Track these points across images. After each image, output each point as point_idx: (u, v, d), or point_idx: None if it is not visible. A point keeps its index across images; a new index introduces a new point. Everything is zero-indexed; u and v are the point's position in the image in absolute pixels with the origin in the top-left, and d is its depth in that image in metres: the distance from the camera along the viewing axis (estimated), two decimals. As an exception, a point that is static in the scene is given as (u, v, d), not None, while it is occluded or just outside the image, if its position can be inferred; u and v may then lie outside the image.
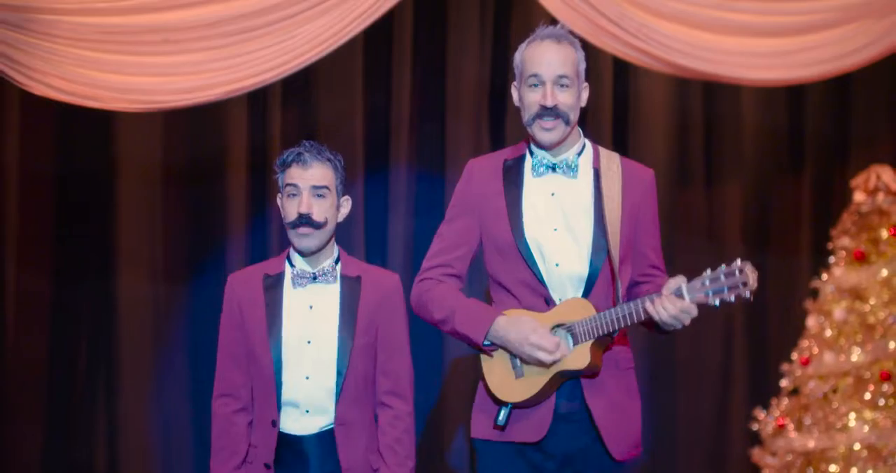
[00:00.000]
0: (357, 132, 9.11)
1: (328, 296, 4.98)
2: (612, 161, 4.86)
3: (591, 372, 4.64)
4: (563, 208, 4.74)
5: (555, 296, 4.72)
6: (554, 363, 4.58)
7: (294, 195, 4.94)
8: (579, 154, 4.82)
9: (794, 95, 9.09)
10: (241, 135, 9.08)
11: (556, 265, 4.72)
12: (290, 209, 4.95)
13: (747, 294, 4.36)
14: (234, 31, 7.59)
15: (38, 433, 9.11)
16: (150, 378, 9.15)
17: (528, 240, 4.71)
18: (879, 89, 9.10)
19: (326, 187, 4.95)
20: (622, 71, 8.98)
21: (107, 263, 9.08)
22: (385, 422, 5.02)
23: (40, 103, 8.10)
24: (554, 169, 4.76)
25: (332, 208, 4.99)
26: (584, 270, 4.71)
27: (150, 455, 9.13)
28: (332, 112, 9.13)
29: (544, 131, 4.71)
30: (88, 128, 8.87)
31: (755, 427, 8.49)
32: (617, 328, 4.56)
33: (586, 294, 4.70)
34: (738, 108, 9.18)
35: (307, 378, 4.93)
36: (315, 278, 4.97)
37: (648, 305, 4.47)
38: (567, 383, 4.69)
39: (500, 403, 4.75)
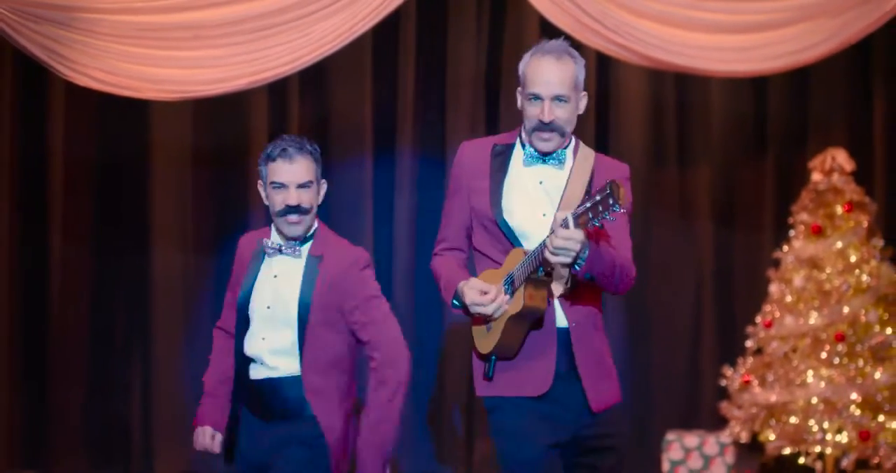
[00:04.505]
0: (366, 119, 9.15)
1: (292, 269, 4.90)
2: (586, 157, 4.76)
3: (532, 314, 4.54)
4: (550, 195, 4.68)
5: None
6: (494, 313, 4.55)
7: (282, 187, 4.85)
8: (566, 147, 4.74)
9: (758, 86, 9.11)
10: (261, 122, 9.13)
11: None
12: (277, 201, 4.86)
13: (618, 208, 4.11)
14: (255, 28, 7.63)
15: (80, 391, 9.18)
16: (181, 340, 9.21)
17: (516, 223, 4.65)
18: (835, 80, 9.11)
19: (311, 180, 4.86)
20: (603, 64, 9.00)
21: (142, 238, 9.14)
22: (372, 387, 4.89)
23: (82, 94, 8.17)
24: (544, 160, 4.69)
25: (316, 195, 4.91)
26: None
27: (180, 412, 9.17)
28: (344, 101, 9.18)
29: (542, 142, 4.63)
30: (125, 116, 8.92)
31: (723, 382, 8.51)
32: (534, 267, 4.44)
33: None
34: (707, 97, 9.19)
35: (263, 339, 4.89)
36: (281, 250, 4.92)
37: (547, 241, 4.32)
38: (562, 341, 4.62)
39: (483, 357, 4.71)
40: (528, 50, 4.75)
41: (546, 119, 4.58)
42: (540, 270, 4.46)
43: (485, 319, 4.64)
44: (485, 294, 4.56)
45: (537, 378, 4.61)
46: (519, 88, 4.73)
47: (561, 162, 4.69)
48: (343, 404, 4.91)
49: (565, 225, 4.25)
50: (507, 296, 4.55)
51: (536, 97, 4.60)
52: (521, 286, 4.50)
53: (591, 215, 4.19)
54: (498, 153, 4.78)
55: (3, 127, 9.05)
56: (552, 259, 4.32)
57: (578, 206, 4.25)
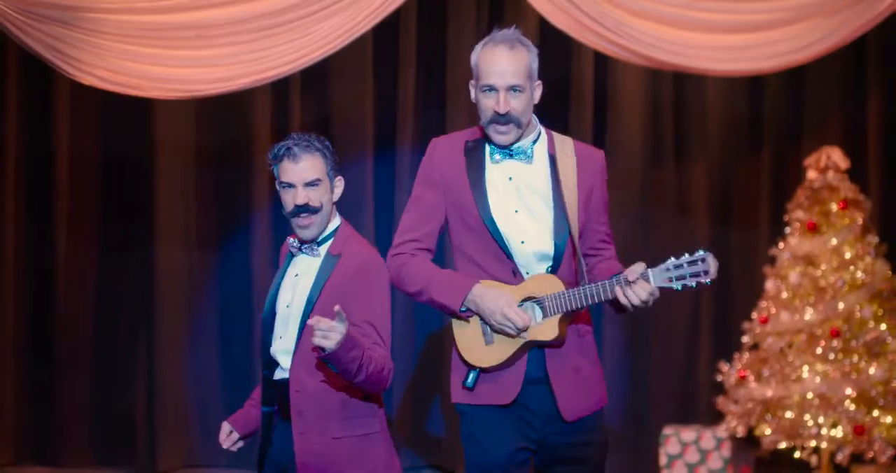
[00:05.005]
0: (367, 117, 9.19)
1: (311, 268, 4.79)
2: (565, 146, 4.67)
3: (557, 343, 4.48)
4: (520, 191, 4.57)
5: (521, 269, 4.56)
6: (519, 336, 4.45)
7: (289, 187, 4.75)
8: (535, 141, 4.64)
9: (753, 85, 9.10)
10: (264, 120, 9.17)
11: (522, 242, 4.53)
12: (287, 201, 4.76)
13: (708, 281, 4.20)
14: (258, 27, 7.64)
15: (86, 386, 9.23)
16: (185, 334, 9.25)
17: (495, 219, 4.53)
18: (829, 79, 9.11)
19: (318, 179, 4.72)
20: (602, 63, 9.00)
21: (146, 234, 9.16)
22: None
23: (87, 92, 8.19)
24: (511, 155, 4.59)
25: (327, 193, 4.75)
26: (549, 248, 4.55)
27: (183, 404, 9.23)
28: (346, 99, 9.20)
29: (498, 134, 4.53)
30: (130, 115, 8.95)
31: (720, 378, 8.50)
32: (584, 304, 4.38)
33: (553, 270, 4.55)
34: (703, 96, 9.18)
35: (280, 338, 4.78)
36: (301, 249, 4.81)
37: (618, 289, 4.30)
38: (533, 350, 4.53)
39: (470, 367, 4.55)
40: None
41: (502, 110, 4.48)
42: (583, 307, 4.45)
43: (486, 331, 4.52)
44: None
45: (505, 387, 4.53)
46: (472, 81, 4.64)
47: (528, 156, 4.59)
48: (328, 411, 4.69)
49: (645, 278, 4.26)
50: (537, 322, 4.47)
51: (491, 88, 4.51)
52: (556, 315, 4.43)
53: (674, 279, 4.23)
54: (470, 149, 4.66)
55: (10, 125, 9.10)
56: (627, 305, 4.33)
57: (664, 266, 4.26)
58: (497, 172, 4.59)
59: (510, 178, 4.57)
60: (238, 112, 9.11)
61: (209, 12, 7.59)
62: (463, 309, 4.53)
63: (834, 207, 8.32)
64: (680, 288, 4.24)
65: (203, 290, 9.31)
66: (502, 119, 4.49)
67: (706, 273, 4.19)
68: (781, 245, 8.47)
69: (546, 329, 4.44)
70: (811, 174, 8.42)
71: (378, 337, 4.65)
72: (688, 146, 9.27)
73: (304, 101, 9.21)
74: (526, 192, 4.56)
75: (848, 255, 8.23)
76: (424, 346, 9.21)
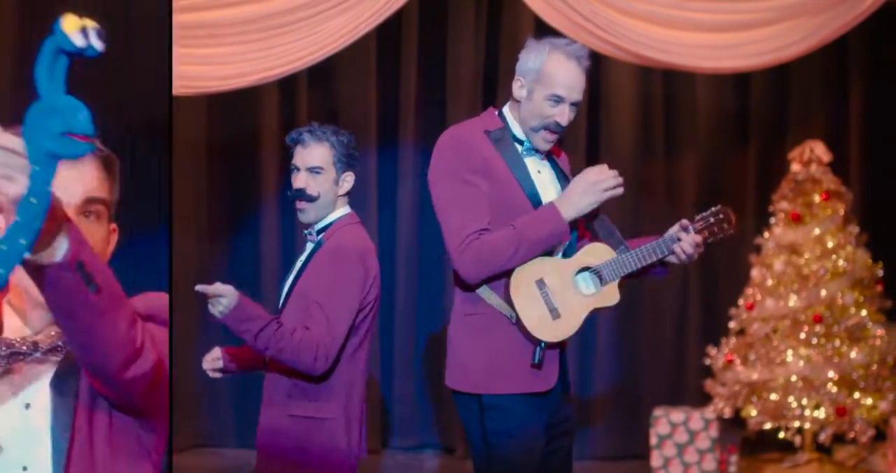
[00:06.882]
0: (371, 113, 9.21)
1: (308, 253, 4.81)
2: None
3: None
4: (546, 184, 4.53)
5: (556, 254, 4.46)
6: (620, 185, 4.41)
7: (295, 171, 4.77)
8: None
9: (740, 81, 9.13)
10: (272, 115, 9.19)
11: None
12: (292, 183, 4.78)
13: (731, 232, 4.43)
14: (266, 27, 7.67)
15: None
16: (197, 322, 9.25)
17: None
18: (813, 76, 9.14)
19: (321, 167, 4.70)
20: (594, 61, 8.98)
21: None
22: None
23: (103, 89, 8.20)
24: (535, 151, 4.52)
25: (328, 183, 4.72)
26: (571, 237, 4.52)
27: (196, 389, 9.24)
28: (350, 96, 9.23)
29: (546, 142, 4.48)
30: (143, 110, 8.98)
31: (708, 362, 8.54)
32: (641, 266, 4.40)
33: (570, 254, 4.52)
34: (692, 93, 9.20)
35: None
36: (308, 237, 4.84)
37: (674, 245, 4.38)
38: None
39: (536, 342, 4.34)
40: (531, 44, 4.55)
41: (565, 123, 4.43)
42: (637, 270, 4.48)
43: (551, 306, 4.35)
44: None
45: (547, 372, 4.42)
46: (526, 79, 4.48)
47: (542, 155, 4.57)
48: (289, 388, 4.67)
49: (688, 231, 4.40)
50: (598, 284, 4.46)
51: (559, 99, 4.42)
52: (615, 280, 4.43)
53: (707, 233, 4.39)
54: (498, 139, 4.49)
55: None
56: (678, 259, 4.45)
57: (699, 220, 4.42)
58: (530, 166, 4.54)
59: (539, 172, 4.56)
60: (248, 108, 9.13)
61: (220, 12, 7.62)
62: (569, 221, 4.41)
63: (817, 198, 8.35)
64: (711, 240, 4.42)
65: (214, 278, 9.30)
66: (559, 129, 4.46)
67: (729, 223, 4.41)
68: (766, 234, 8.51)
69: (609, 295, 4.44)
70: (795, 167, 8.46)
71: (322, 319, 4.53)
72: (677, 141, 9.30)
73: (311, 97, 9.25)
74: (549, 185, 4.55)
75: (830, 244, 8.27)
76: (425, 334, 9.25)
